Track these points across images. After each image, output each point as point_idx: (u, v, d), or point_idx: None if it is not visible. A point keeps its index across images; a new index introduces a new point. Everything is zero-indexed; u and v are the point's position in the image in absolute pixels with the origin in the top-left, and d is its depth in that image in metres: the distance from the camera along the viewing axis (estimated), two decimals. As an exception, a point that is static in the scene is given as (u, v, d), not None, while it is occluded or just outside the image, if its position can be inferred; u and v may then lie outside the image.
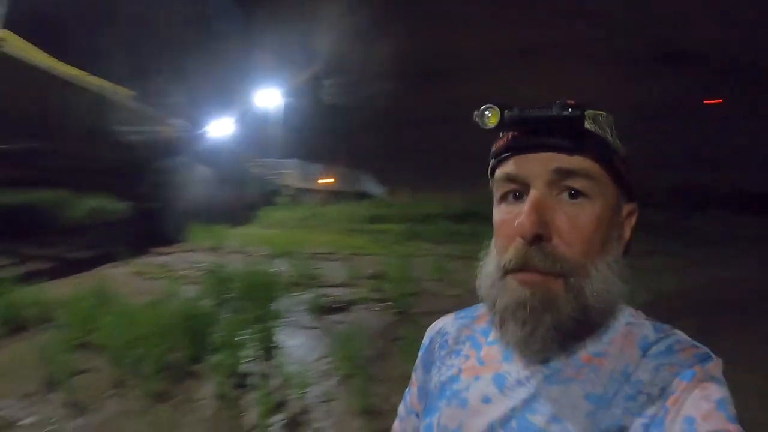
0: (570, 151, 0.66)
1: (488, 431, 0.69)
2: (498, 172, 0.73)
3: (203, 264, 9.10)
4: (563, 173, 0.66)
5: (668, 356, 0.66)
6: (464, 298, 7.71)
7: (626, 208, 0.74)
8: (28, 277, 7.10)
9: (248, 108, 32.66)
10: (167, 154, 16.28)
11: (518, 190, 0.69)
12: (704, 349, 0.67)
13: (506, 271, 0.68)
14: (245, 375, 4.85)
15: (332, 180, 36.67)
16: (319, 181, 35.78)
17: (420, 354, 0.92)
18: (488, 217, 0.78)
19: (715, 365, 0.65)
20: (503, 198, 0.72)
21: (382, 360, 5.21)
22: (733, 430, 0.57)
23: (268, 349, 5.50)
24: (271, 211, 25.52)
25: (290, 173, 33.10)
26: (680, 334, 0.70)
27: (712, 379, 0.63)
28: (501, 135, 0.73)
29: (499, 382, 0.72)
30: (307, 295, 7.39)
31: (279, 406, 4.26)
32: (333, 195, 33.31)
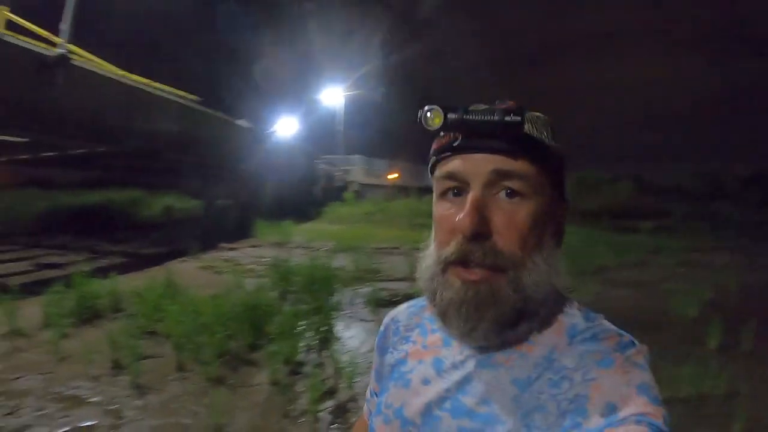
0: (508, 154, 0.69)
1: (425, 409, 0.74)
2: (439, 170, 0.76)
3: (268, 259, 9.39)
4: (501, 174, 0.69)
5: (592, 344, 0.69)
6: None
7: (560, 205, 0.77)
8: (103, 271, 7.61)
9: (313, 106, 33.30)
10: (235, 154, 16.82)
11: (458, 187, 0.72)
12: (628, 337, 0.70)
13: (447, 264, 0.71)
14: (300, 364, 5.02)
15: (397, 175, 36.77)
16: (384, 177, 36.01)
17: (377, 340, 0.98)
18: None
19: (637, 352, 0.67)
20: (443, 194, 0.75)
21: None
22: (654, 412, 0.59)
23: (324, 340, 5.65)
24: (336, 206, 25.94)
25: (355, 169, 33.49)
26: (607, 324, 0.73)
27: (633, 364, 0.65)
28: (442, 134, 0.75)
29: (438, 365, 0.77)
30: (366, 289, 7.50)
31: (329, 394, 4.39)
32: (398, 190, 33.45)
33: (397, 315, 0.96)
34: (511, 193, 0.69)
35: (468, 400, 0.71)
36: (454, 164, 0.72)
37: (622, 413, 0.59)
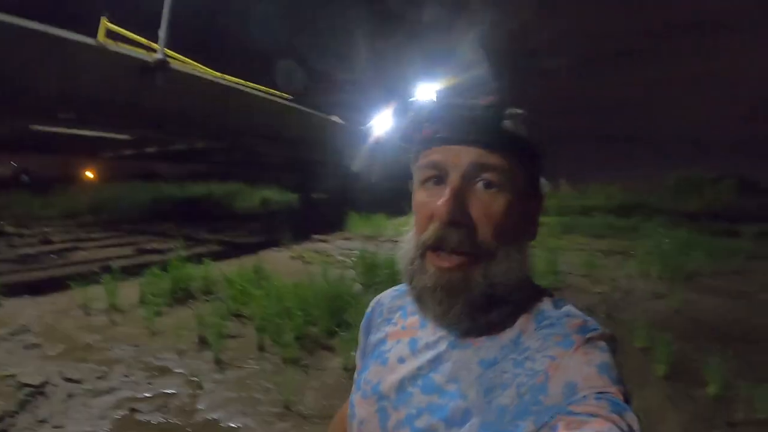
0: (487, 147, 0.73)
1: (399, 385, 0.79)
2: (421, 159, 0.79)
3: (357, 251, 9.49)
4: (479, 166, 0.72)
5: (556, 327, 0.71)
6: (610, 295, 7.26)
7: (535, 198, 0.79)
8: (199, 257, 7.99)
9: (408, 101, 33.43)
10: (331, 150, 17.27)
11: (438, 176, 0.75)
12: (593, 322, 0.72)
13: (425, 248, 0.75)
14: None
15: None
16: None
17: (362, 321, 1.02)
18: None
19: (600, 335, 0.69)
20: (424, 182, 0.78)
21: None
22: (614, 391, 0.60)
23: (402, 330, 5.61)
24: None
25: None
26: (574, 310, 0.74)
27: (594, 346, 0.67)
28: (427, 125, 0.79)
29: (413, 345, 0.82)
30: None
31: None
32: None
33: (382, 298, 1.02)
34: (489, 185, 0.72)
35: (438, 377, 0.75)
36: (436, 155, 0.76)
37: (582, 391, 0.61)
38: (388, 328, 0.91)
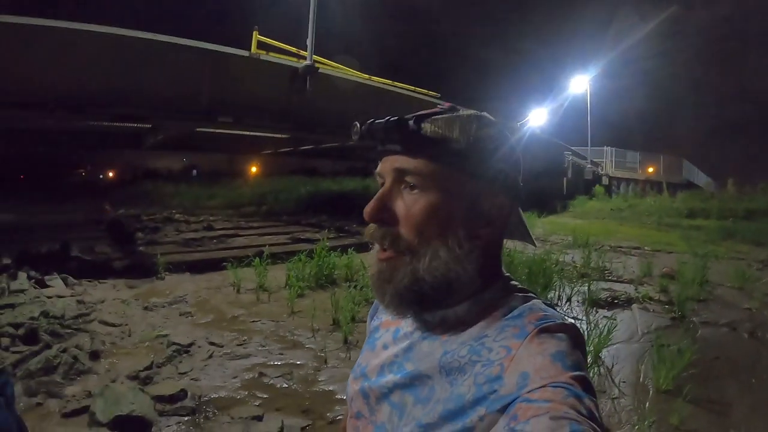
0: (406, 154, 0.78)
1: (380, 369, 0.85)
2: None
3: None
4: (401, 171, 0.78)
5: (516, 320, 0.73)
6: (758, 312, 6.41)
7: (486, 195, 0.79)
8: (345, 248, 8.42)
9: (562, 96, 32.07)
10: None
11: (383, 183, 0.82)
12: (553, 314, 0.72)
13: (370, 242, 0.83)
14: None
15: (652, 169, 33.39)
16: (638, 170, 33.13)
17: (370, 310, 1.07)
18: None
19: (558, 325, 0.69)
20: (379, 188, 0.84)
21: (623, 362, 4.67)
22: (566, 379, 0.60)
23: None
24: (583, 200, 24.73)
25: (606, 162, 31.45)
26: (539, 305, 0.75)
27: (550, 335, 0.67)
28: (370, 142, 0.86)
29: (395, 334, 0.88)
30: (587, 288, 7.05)
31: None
32: (653, 185, 30.22)
33: None
34: (412, 187, 0.77)
35: (408, 365, 0.80)
36: (379, 165, 0.83)
37: (535, 381, 0.61)
38: (384, 317, 0.96)
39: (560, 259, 8.69)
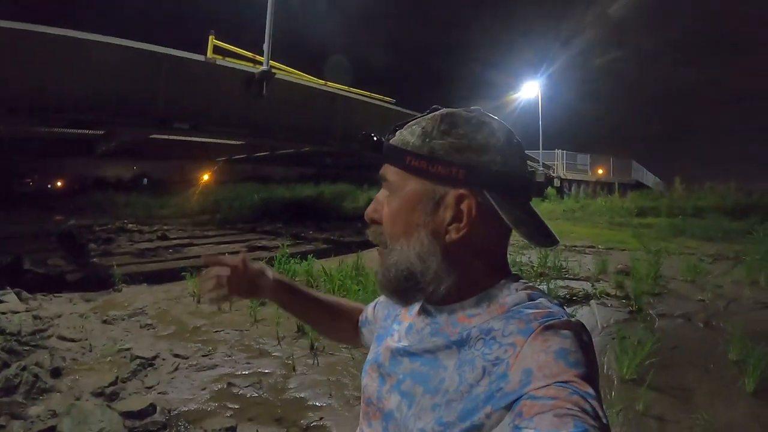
0: (385, 161, 0.87)
1: (393, 356, 0.90)
2: None
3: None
4: (383, 177, 0.87)
5: (522, 316, 0.74)
6: (711, 303, 6.76)
7: (451, 193, 0.80)
8: (304, 255, 8.42)
9: (509, 101, 32.68)
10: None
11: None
12: (558, 311, 0.74)
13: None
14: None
15: (602, 170, 34.44)
16: (589, 172, 34.09)
17: (382, 302, 1.16)
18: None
19: (562, 323, 0.70)
20: None
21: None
22: (569, 377, 0.62)
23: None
24: (537, 202, 24.70)
25: (557, 164, 32.15)
26: (545, 302, 0.77)
27: (554, 332, 0.69)
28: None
29: (409, 328, 0.92)
30: (546, 286, 7.24)
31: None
32: (603, 186, 31.47)
33: None
34: (389, 191, 0.86)
35: (418, 356, 0.84)
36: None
37: (539, 379, 0.63)
38: (401, 310, 1.00)
39: (517, 260, 8.91)
